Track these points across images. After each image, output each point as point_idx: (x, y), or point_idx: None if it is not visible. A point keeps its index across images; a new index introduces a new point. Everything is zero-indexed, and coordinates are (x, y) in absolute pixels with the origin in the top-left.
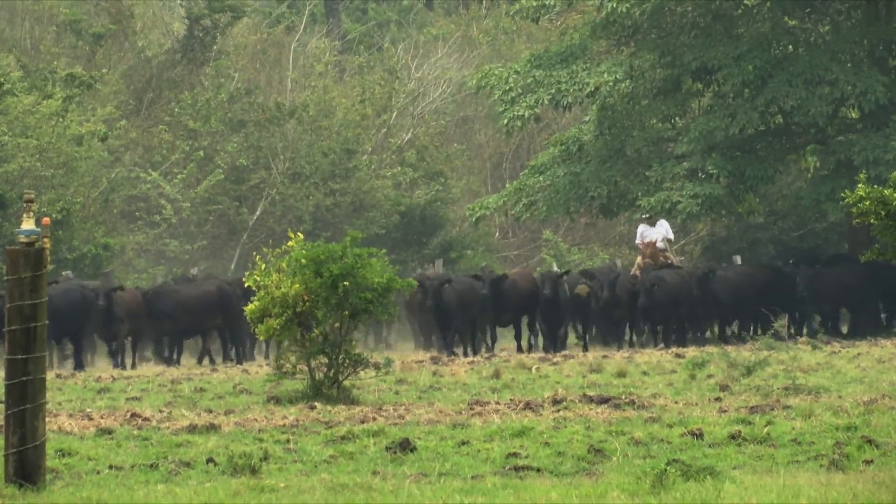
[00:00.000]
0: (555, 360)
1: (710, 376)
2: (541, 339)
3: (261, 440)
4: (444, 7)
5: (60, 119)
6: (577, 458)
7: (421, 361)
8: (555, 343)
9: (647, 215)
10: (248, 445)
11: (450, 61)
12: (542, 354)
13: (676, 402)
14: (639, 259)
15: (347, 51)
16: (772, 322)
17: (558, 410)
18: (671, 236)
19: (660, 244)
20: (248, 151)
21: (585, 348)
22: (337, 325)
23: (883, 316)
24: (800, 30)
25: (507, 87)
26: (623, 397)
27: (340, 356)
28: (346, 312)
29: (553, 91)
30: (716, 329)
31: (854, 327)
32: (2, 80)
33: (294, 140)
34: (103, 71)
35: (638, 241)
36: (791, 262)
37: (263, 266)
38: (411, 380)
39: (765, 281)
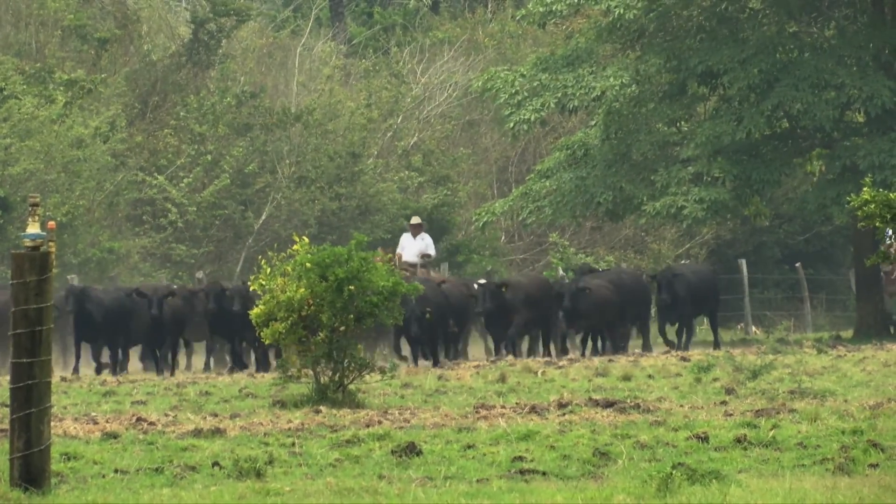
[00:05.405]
0: (560, 363)
1: (715, 380)
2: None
3: (266, 444)
4: (449, 11)
5: (62, 123)
6: (582, 462)
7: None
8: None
9: (417, 221)
10: (253, 449)
11: (456, 65)
12: (548, 359)
13: (682, 406)
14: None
15: (353, 54)
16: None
17: (564, 414)
18: (432, 252)
19: (414, 258)
20: (253, 155)
21: (416, 362)
22: (342, 328)
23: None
24: (805, 34)
25: (513, 91)
26: (628, 401)
27: (346, 360)
28: (352, 316)
29: (559, 95)
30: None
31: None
32: (3, 83)
33: (300, 144)
34: (103, 75)
35: (399, 250)
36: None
37: (269, 270)
38: (417, 383)
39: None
